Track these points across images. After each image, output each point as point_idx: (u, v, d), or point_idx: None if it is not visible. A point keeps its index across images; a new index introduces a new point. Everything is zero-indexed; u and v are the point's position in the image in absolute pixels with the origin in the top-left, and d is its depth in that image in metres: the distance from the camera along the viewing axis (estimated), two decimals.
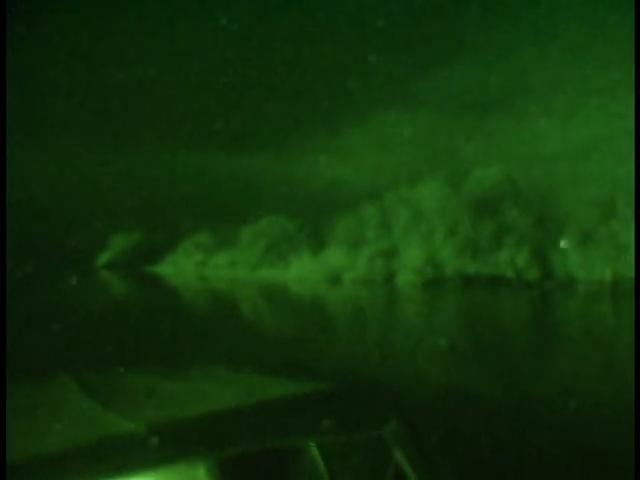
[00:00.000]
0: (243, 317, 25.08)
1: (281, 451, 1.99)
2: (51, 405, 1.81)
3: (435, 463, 1.87)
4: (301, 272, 39.99)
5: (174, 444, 1.43)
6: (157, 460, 1.43)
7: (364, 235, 39.46)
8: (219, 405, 1.68)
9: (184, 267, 55.43)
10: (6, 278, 9.57)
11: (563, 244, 33.89)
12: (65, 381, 2.00)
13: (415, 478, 1.74)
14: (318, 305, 29.20)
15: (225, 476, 1.98)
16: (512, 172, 38.22)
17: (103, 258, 75.97)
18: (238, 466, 1.98)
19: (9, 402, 1.79)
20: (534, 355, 15.80)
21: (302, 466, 2.04)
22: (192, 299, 34.52)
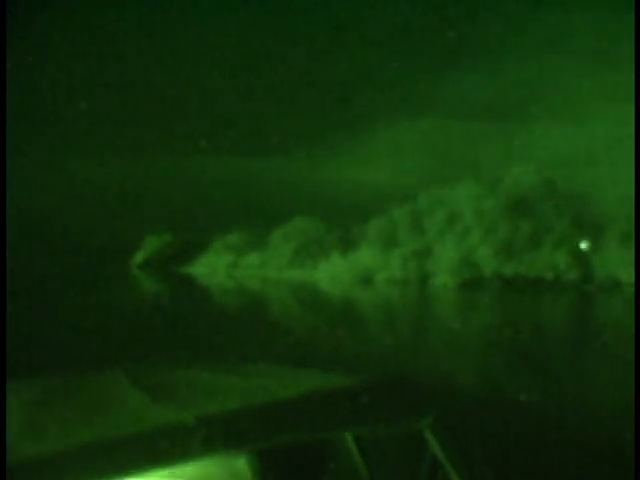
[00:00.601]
0: (274, 315, 23.92)
1: (319, 443, 1.96)
2: (102, 398, 1.76)
3: (473, 459, 1.76)
4: (331, 272, 38.28)
5: (220, 435, 1.39)
6: (204, 451, 1.41)
7: (396, 236, 37.75)
8: (262, 398, 1.60)
9: (215, 267, 54.42)
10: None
11: (584, 246, 32.33)
12: (115, 374, 1.95)
13: (453, 473, 1.65)
14: (350, 305, 27.64)
15: (264, 467, 2.03)
16: (545, 173, 36.53)
17: (137, 258, 76.57)
18: (276, 457, 1.98)
19: (62, 395, 1.81)
20: (578, 360, 14.49)
21: (339, 459, 1.98)
22: (223, 298, 33.51)
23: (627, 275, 30.07)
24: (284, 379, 1.89)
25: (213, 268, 53.87)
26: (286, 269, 43.21)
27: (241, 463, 2.04)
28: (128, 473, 1.40)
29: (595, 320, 23.37)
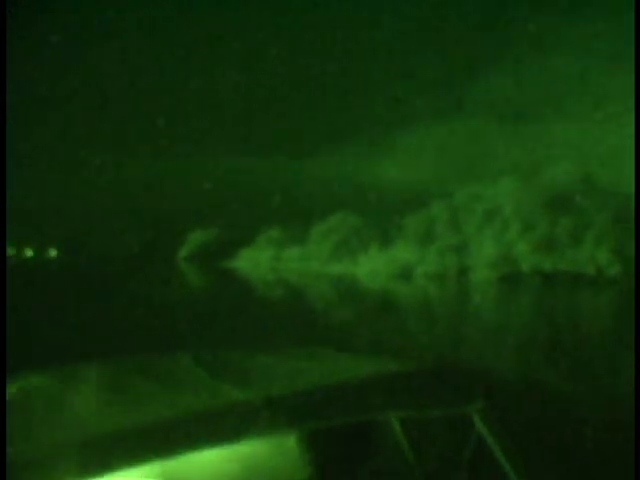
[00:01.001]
0: (315, 307, 23.94)
1: (366, 425, 1.95)
2: (170, 378, 1.81)
3: (520, 444, 1.76)
4: (370, 267, 38.09)
5: (284, 415, 1.43)
6: (268, 429, 1.44)
7: (433, 232, 37.28)
8: (320, 381, 1.63)
9: (258, 261, 54.71)
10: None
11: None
12: (181, 357, 2.01)
13: (501, 456, 1.63)
14: (389, 297, 27.45)
15: (314, 446, 2.06)
16: (581, 170, 35.36)
17: (183, 253, 77.73)
18: (326, 437, 2.00)
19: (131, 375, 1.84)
20: (619, 357, 13.90)
21: (385, 441, 1.98)
22: (265, 290, 33.67)
23: None
24: (340, 363, 1.91)
25: (255, 262, 54.20)
26: (326, 263, 43.19)
27: (291, 442, 2.06)
28: (198, 448, 1.43)
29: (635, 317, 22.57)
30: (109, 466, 1.32)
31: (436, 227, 37.44)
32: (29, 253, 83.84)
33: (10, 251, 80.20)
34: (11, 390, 1.78)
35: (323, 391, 1.54)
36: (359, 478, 2.10)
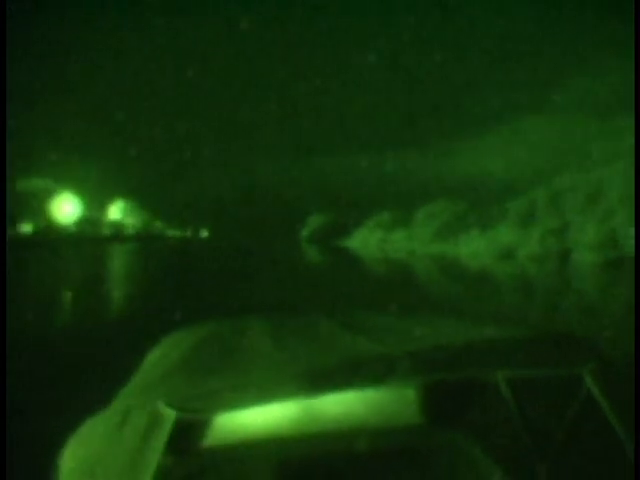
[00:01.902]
0: (418, 280, 23.23)
1: (478, 383, 1.90)
2: (313, 333, 1.79)
3: (630, 403, 1.63)
4: (471, 247, 36.45)
5: (420, 366, 1.40)
6: (406, 378, 1.43)
7: (535, 215, 34.56)
8: (441, 338, 1.58)
9: (367, 241, 54.98)
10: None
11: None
12: (319, 317, 1.98)
13: (612, 416, 1.50)
14: (490, 274, 25.82)
15: (430, 397, 2.01)
16: None
17: (304, 233, 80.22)
18: (441, 391, 1.97)
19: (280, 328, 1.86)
20: None
21: (494, 399, 1.85)
22: (374, 265, 33.45)
23: None
24: (458, 325, 1.86)
25: (365, 242, 54.33)
26: (429, 244, 41.92)
27: (410, 392, 2.05)
28: (342, 390, 1.48)
29: None
30: (268, 399, 1.38)
31: (537, 211, 34.49)
32: (188, 233, 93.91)
33: (172, 232, 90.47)
34: (198, 334, 1.89)
35: (451, 347, 1.50)
36: (468, 430, 2.03)
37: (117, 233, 62.55)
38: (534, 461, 1.77)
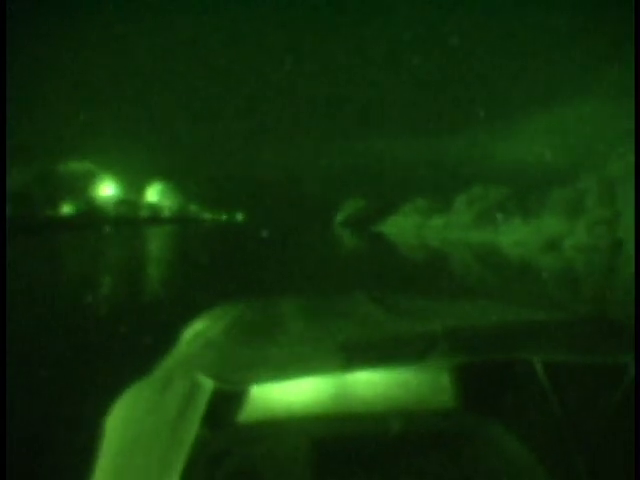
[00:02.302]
0: (456, 268, 21.97)
1: (513, 369, 1.85)
2: (352, 311, 1.80)
3: None
4: (514, 236, 34.56)
5: (460, 345, 1.37)
6: (446, 356, 1.38)
7: (583, 204, 32.26)
8: (480, 319, 1.59)
9: (403, 227, 53.53)
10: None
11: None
12: (358, 296, 1.99)
13: None
14: (534, 266, 24.19)
15: (465, 380, 1.99)
16: None
17: (339, 217, 79.52)
18: (475, 376, 1.96)
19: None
20: None
21: (531, 386, 1.76)
22: (410, 252, 32.30)
23: None
24: (497, 308, 1.80)
25: (401, 228, 52.93)
26: (468, 231, 40.15)
27: (444, 375, 2.01)
28: (377, 367, 1.53)
29: None
30: (305, 372, 1.41)
31: (585, 199, 32.17)
32: (224, 217, 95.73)
33: (207, 215, 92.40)
34: (236, 310, 1.91)
35: (490, 328, 1.47)
36: (503, 417, 1.94)
37: (154, 216, 63.63)
38: (571, 452, 1.63)
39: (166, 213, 68.63)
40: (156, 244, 33.46)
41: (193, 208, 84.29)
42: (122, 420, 1.41)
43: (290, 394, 1.93)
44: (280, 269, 15.93)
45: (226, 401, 1.80)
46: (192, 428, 1.20)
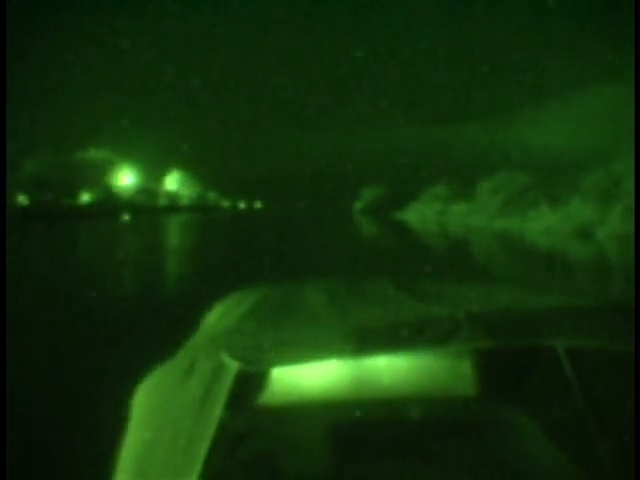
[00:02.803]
0: (482, 257, 20.72)
1: (535, 356, 1.83)
2: (375, 296, 1.78)
3: None
4: (542, 224, 32.81)
5: (482, 330, 1.33)
6: (467, 341, 1.34)
7: (617, 189, 30.41)
8: (506, 304, 1.53)
9: (424, 214, 52.04)
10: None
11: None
12: (378, 280, 1.97)
13: None
14: (566, 255, 22.68)
15: (484, 369, 1.97)
16: None
17: (358, 205, 78.46)
18: (496, 363, 1.93)
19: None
20: None
21: (554, 373, 1.72)
22: (431, 240, 31.07)
23: None
24: (524, 294, 1.74)
25: (422, 215, 51.43)
26: (493, 219, 38.47)
27: (465, 364, 1.96)
28: (404, 349, 1.52)
29: None
30: (330, 354, 1.38)
31: (620, 185, 30.25)
32: (242, 205, 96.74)
33: (226, 203, 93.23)
34: (259, 293, 1.87)
35: (515, 313, 1.41)
36: (525, 404, 1.84)
37: (173, 204, 63.64)
38: (594, 441, 1.56)
39: (185, 201, 68.59)
40: (183, 231, 33.65)
41: (211, 196, 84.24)
42: (148, 401, 1.40)
43: (310, 378, 1.93)
44: (299, 257, 15.71)
45: (248, 383, 1.78)
46: (217, 409, 1.20)
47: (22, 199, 42.76)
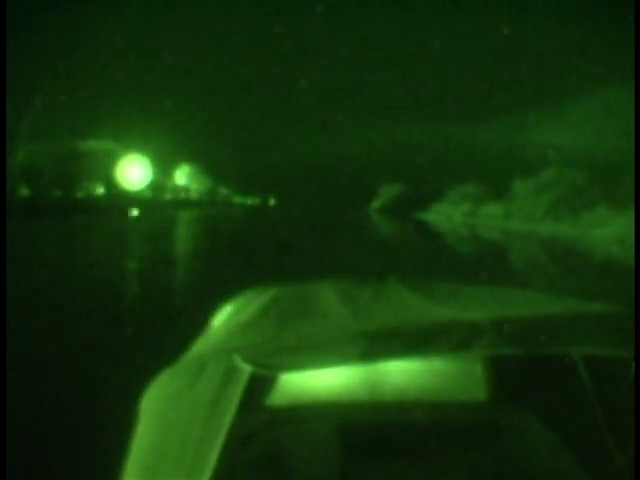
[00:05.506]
0: (520, 269, 15.66)
1: (551, 362, 1.70)
2: (386, 297, 1.70)
3: None
4: (602, 230, 27.40)
5: (503, 337, 1.26)
6: (488, 347, 1.27)
7: None
8: (525, 310, 1.47)
9: (450, 215, 46.62)
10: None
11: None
12: (394, 282, 1.87)
13: None
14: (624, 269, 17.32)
15: (498, 374, 1.87)
16: None
17: (375, 204, 73.47)
18: (510, 369, 1.84)
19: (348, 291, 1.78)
20: None
21: (570, 380, 1.65)
22: (458, 244, 25.85)
23: None
24: (544, 299, 1.66)
25: (448, 216, 45.97)
26: (537, 222, 32.83)
27: (478, 369, 1.88)
28: (420, 354, 1.40)
29: None
30: (344, 360, 1.32)
31: None
32: (255, 201, 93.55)
33: (238, 199, 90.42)
34: (269, 294, 1.79)
35: (538, 319, 1.34)
36: (539, 411, 1.73)
37: (182, 198, 60.18)
38: (611, 451, 1.49)
39: (194, 196, 64.76)
40: (196, 227, 31.83)
41: (222, 191, 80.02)
42: (157, 404, 1.36)
43: (320, 379, 1.88)
44: (313, 257, 14.18)
45: (258, 385, 1.72)
46: (229, 412, 1.17)
47: (23, 191, 39.46)
